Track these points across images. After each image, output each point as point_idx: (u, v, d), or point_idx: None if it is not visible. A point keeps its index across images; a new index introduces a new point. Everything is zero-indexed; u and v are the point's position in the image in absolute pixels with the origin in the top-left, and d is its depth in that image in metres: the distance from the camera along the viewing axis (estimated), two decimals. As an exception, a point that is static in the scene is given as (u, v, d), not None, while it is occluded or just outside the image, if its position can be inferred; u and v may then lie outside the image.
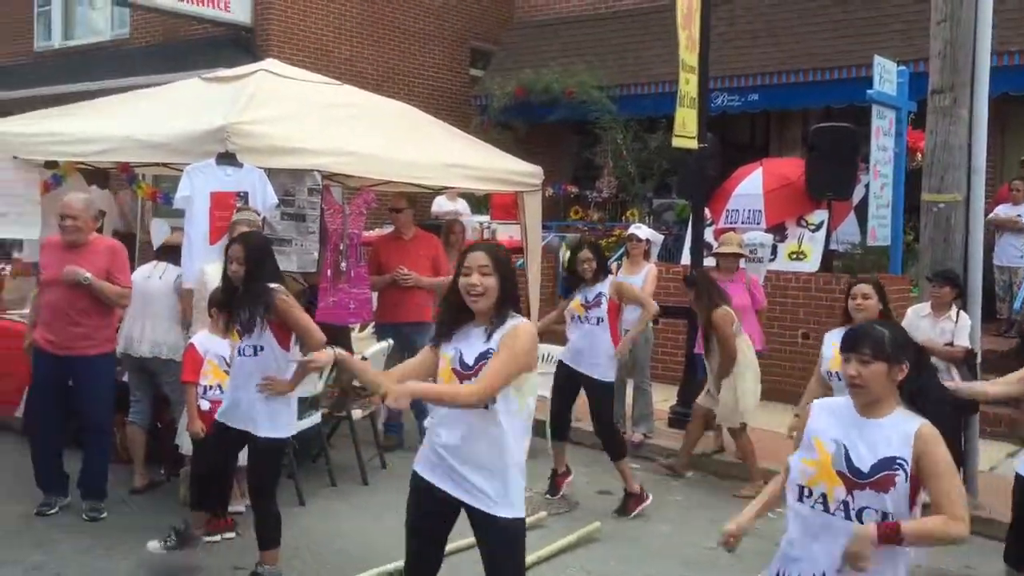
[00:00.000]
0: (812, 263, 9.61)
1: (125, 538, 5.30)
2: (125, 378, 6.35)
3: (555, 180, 13.46)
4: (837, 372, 5.00)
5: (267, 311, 4.51)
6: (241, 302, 4.56)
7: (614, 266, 8.17)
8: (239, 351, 4.62)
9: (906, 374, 2.79)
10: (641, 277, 7.61)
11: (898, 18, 11.83)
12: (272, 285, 4.57)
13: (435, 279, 7.35)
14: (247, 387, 4.58)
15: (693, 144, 8.15)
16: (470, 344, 3.23)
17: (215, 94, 6.95)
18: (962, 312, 6.21)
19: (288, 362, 4.65)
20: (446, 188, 9.18)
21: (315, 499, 6.17)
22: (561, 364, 6.41)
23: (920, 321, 6.26)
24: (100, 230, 6.91)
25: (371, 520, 5.80)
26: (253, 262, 4.57)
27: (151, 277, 6.31)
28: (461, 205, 12.27)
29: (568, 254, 8.32)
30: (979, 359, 6.39)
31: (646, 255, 7.99)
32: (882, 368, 2.75)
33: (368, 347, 7.06)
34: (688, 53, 8.10)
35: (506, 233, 11.80)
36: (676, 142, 8.12)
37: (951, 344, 6.10)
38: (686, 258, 9.76)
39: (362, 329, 9.73)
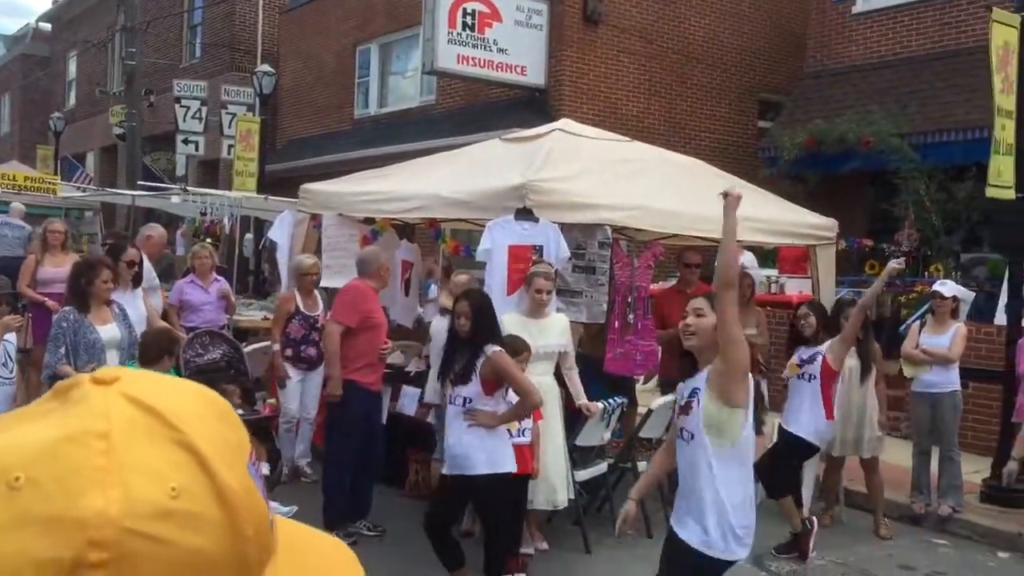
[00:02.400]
0: None
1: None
2: (430, 418, 6.80)
3: (849, 233, 12.82)
4: None
5: (485, 364, 4.69)
6: (462, 353, 4.75)
7: (916, 324, 7.64)
8: (450, 400, 4.81)
9: None
10: (948, 337, 7.08)
11: None
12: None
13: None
14: (457, 433, 4.74)
15: (1010, 194, 7.53)
16: None
17: (514, 153, 7.37)
18: None
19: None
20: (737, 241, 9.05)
21: (600, 547, 6.24)
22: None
23: None
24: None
25: (652, 570, 5.77)
26: (478, 317, 4.78)
27: None
28: (748, 259, 12.03)
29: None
30: None
31: (954, 313, 7.42)
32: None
33: (652, 399, 7.09)
34: (1004, 97, 7.52)
35: (795, 287, 11.42)
36: (990, 192, 7.54)
37: None
38: (1000, 318, 8.93)
39: (646, 381, 9.77)
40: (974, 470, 7.79)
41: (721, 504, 3.44)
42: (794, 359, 6.42)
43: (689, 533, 3.53)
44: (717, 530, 3.45)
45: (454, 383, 4.79)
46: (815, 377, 6.19)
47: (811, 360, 6.23)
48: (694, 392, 3.53)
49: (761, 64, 16.69)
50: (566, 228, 6.48)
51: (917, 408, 7.28)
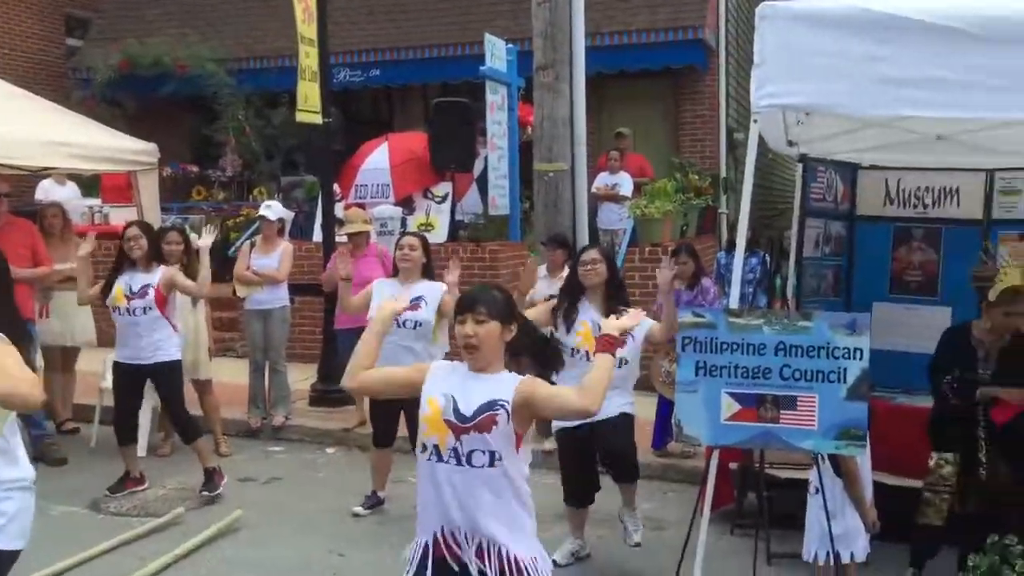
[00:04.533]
0: (440, 234, 9.94)
1: None
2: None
3: (173, 159, 12.65)
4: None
5: None
6: None
7: (246, 246, 7.86)
8: None
9: (513, 335, 2.95)
10: (276, 257, 7.42)
11: (504, -1, 12.55)
12: None
13: (35, 271, 6.64)
14: None
15: (317, 119, 8.07)
16: None
17: None
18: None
19: None
20: (48, 169, 8.27)
21: None
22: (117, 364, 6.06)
23: (539, 283, 6.72)
24: None
25: None
26: None
27: None
28: (71, 188, 11.16)
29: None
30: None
31: (280, 233, 7.79)
32: (496, 327, 2.90)
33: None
34: (306, 26, 7.98)
35: (121, 217, 10.90)
36: (300, 117, 8.00)
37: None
38: (318, 235, 9.66)
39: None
40: (303, 377, 8.39)
41: None
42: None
43: None
44: None
45: None
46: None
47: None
48: None
49: (65, -24, 15.32)
50: None
51: (251, 326, 7.54)
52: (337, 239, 7.95)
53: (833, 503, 4.09)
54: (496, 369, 2.92)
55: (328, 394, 8.06)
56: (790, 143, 5.49)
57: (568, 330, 4.91)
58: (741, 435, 4.15)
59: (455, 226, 10.17)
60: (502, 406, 2.81)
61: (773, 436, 4.10)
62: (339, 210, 9.54)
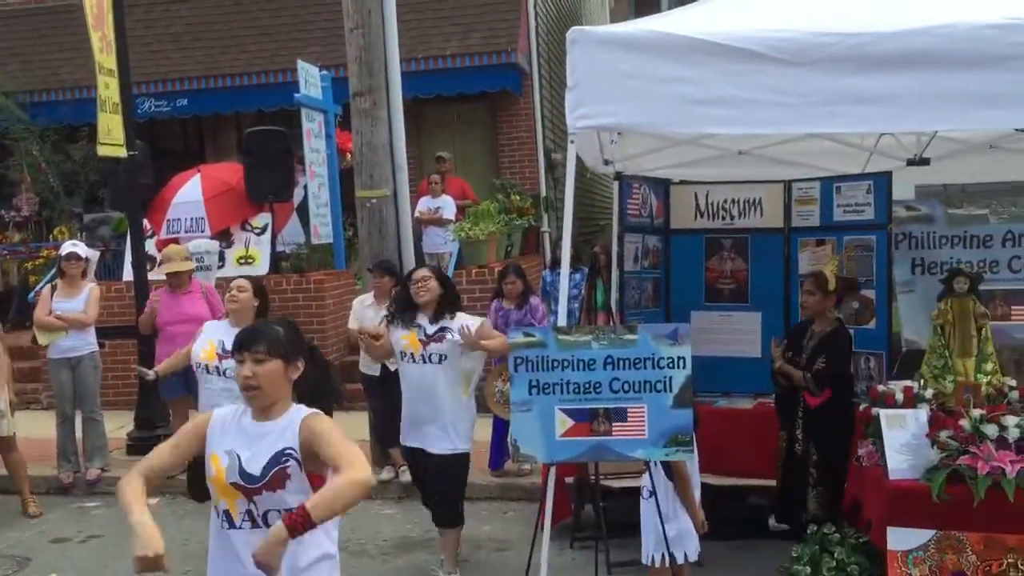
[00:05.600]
0: (261, 266, 9.64)
1: None
2: None
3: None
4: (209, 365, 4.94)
5: None
6: None
7: (47, 290, 7.32)
8: None
9: (302, 371, 2.73)
10: (82, 299, 6.96)
11: (317, 24, 12.37)
12: None
13: None
14: None
15: (122, 152, 7.70)
16: None
17: None
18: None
19: None
20: None
21: None
22: None
23: (366, 310, 6.62)
24: None
25: None
26: None
27: None
28: None
29: None
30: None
31: (84, 274, 7.32)
32: (278, 366, 2.65)
33: None
34: (104, 56, 7.60)
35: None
36: (102, 151, 7.62)
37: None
38: (128, 273, 9.16)
39: None
40: (119, 426, 7.91)
41: None
42: None
43: None
44: None
45: None
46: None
47: None
48: None
49: None
50: None
51: (57, 375, 7.04)
52: (152, 277, 7.57)
53: (666, 506, 4.22)
54: (282, 409, 2.68)
55: (147, 441, 7.59)
56: (606, 162, 5.68)
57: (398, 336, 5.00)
58: (576, 450, 4.22)
59: (277, 257, 9.90)
60: (289, 455, 2.60)
61: (606, 448, 4.20)
62: (150, 246, 9.10)
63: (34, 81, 12.61)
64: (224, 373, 4.78)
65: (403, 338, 4.94)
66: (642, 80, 4.27)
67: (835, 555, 4.51)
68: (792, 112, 4.18)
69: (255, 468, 2.60)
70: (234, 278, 5.36)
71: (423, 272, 5.07)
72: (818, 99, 4.11)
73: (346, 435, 2.65)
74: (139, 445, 7.62)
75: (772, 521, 5.45)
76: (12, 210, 12.20)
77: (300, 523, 2.41)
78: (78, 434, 7.18)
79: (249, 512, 2.61)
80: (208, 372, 4.94)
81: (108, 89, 7.57)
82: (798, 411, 5.16)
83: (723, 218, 6.34)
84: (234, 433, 2.67)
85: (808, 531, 4.73)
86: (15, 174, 12.20)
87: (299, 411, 2.68)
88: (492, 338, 4.94)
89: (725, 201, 6.32)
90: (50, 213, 12.22)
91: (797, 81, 4.12)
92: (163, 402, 7.41)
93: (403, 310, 5.01)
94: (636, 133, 5.02)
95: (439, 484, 4.91)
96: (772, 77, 4.13)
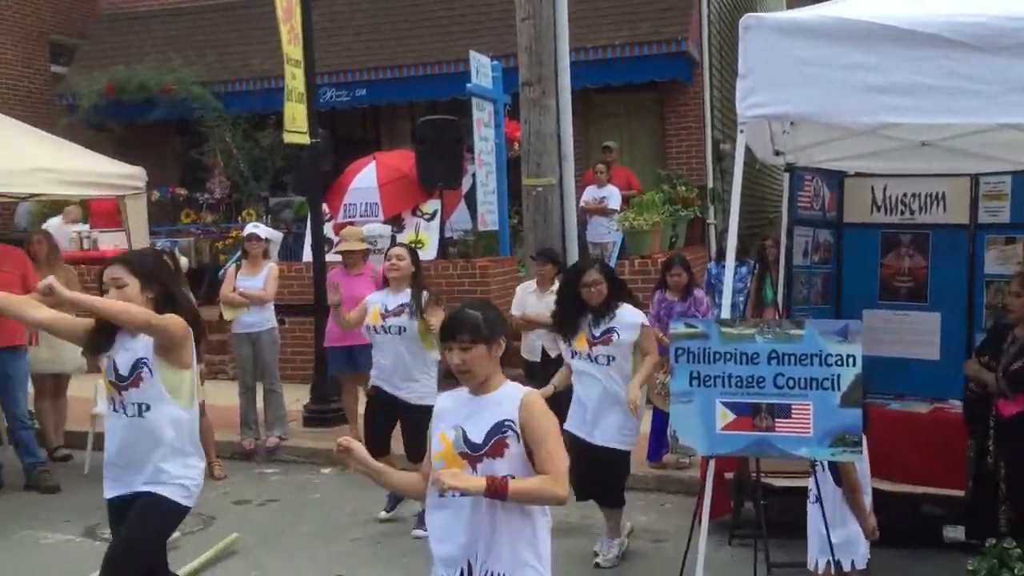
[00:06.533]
0: (430, 251, 9.95)
1: None
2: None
3: (161, 183, 12.66)
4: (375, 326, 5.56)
5: None
6: None
7: (232, 268, 7.84)
8: None
9: (505, 347, 2.91)
10: (262, 277, 7.40)
11: (489, 15, 12.60)
12: None
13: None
14: None
15: (305, 139, 8.09)
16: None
17: None
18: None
19: None
20: (33, 196, 8.25)
21: None
22: None
23: (528, 297, 6.73)
24: None
25: None
26: None
27: None
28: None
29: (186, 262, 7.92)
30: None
31: (265, 254, 7.78)
32: (482, 350, 2.83)
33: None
34: (292, 48, 8.00)
35: (110, 242, 10.88)
36: (288, 138, 8.02)
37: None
38: (307, 255, 9.65)
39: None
40: (295, 399, 8.36)
41: None
42: None
43: None
44: None
45: None
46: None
47: None
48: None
49: (48, 4, 15.33)
50: None
51: (239, 348, 7.51)
52: (327, 259, 7.94)
53: (833, 511, 4.09)
54: (496, 383, 2.89)
55: (322, 414, 8.04)
56: (777, 152, 5.52)
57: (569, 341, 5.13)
58: (737, 444, 4.14)
59: (444, 243, 10.18)
60: (509, 427, 2.79)
61: (769, 444, 4.10)
62: (328, 230, 9.54)
63: (227, 72, 13.45)
64: (388, 330, 5.53)
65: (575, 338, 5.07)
66: (818, 67, 4.11)
67: (1015, 571, 4.25)
68: (983, 100, 3.93)
69: (477, 437, 2.82)
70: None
71: (593, 275, 5.09)
72: (1011, 86, 3.86)
73: (559, 433, 2.90)
74: (315, 417, 8.05)
75: (947, 531, 5.18)
76: (206, 193, 13.09)
77: (497, 489, 2.69)
78: (259, 404, 7.63)
79: None
80: (375, 332, 5.61)
81: (295, 79, 7.97)
82: (989, 420, 4.77)
83: (902, 213, 6.04)
84: (458, 411, 2.90)
85: (987, 544, 4.47)
86: (209, 159, 13.07)
87: (515, 387, 2.90)
88: (648, 352, 5.07)
89: (904, 195, 6.01)
90: (239, 196, 13.04)
91: (988, 68, 3.87)
92: (332, 376, 7.78)
93: (570, 316, 5.12)
94: (810, 123, 4.85)
95: (601, 476, 4.97)
96: (960, 63, 3.89)
